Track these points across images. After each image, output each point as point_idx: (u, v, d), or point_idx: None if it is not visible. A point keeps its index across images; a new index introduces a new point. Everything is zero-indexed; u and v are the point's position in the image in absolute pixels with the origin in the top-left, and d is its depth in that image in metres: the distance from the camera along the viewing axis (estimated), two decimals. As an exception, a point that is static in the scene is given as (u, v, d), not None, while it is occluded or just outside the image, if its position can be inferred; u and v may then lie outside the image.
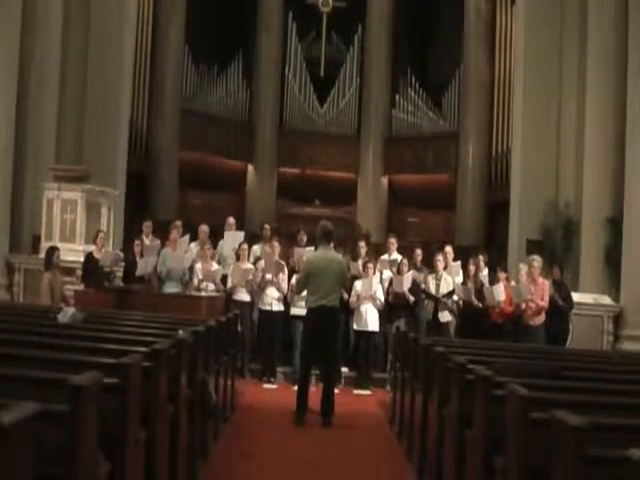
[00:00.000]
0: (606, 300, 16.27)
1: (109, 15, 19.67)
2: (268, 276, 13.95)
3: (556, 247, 18.19)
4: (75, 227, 15.93)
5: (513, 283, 14.06)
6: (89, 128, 19.36)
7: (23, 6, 16.68)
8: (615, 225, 16.52)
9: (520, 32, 20.97)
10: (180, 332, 7.43)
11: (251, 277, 14.01)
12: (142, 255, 14.02)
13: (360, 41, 28.84)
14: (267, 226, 16.22)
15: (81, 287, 13.83)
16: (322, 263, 10.82)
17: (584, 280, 17.01)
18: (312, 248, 13.33)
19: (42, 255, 14.71)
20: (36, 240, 16.58)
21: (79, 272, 14.48)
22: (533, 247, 17.74)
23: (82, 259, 14.46)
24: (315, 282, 10.75)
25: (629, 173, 16.13)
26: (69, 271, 14.58)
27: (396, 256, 14.97)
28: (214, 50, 27.59)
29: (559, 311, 13.70)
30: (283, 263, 14.21)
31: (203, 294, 13.39)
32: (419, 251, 15.11)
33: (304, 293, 11.63)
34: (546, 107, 19.37)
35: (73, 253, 15.30)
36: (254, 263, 14.33)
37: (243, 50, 28.09)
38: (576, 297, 14.81)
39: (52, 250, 13.36)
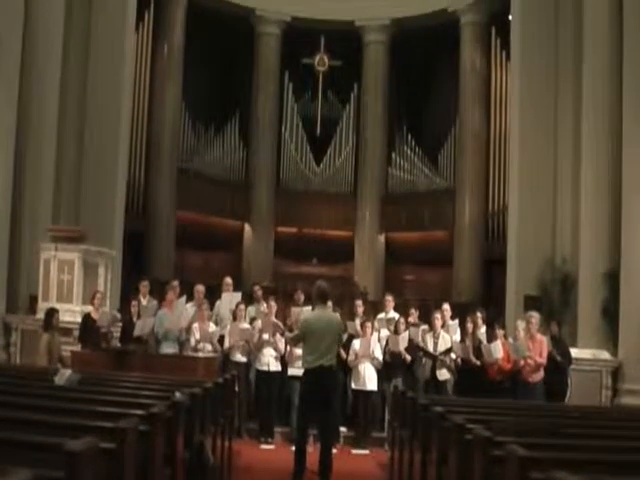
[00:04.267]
0: (604, 355, 16.24)
1: (106, 76, 19.84)
2: (265, 336, 13.93)
3: (554, 302, 18.20)
4: (72, 287, 15.91)
5: (511, 340, 14.04)
6: (86, 189, 19.45)
7: (21, 69, 16.81)
8: (612, 280, 16.52)
9: (515, 88, 21.10)
10: (177, 394, 7.40)
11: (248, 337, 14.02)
12: (139, 316, 14.04)
13: (356, 99, 29.04)
14: (257, 287, 16.31)
15: (78, 348, 13.80)
16: (319, 323, 10.77)
17: (582, 335, 16.98)
18: (309, 307, 13.31)
19: (39, 315, 14.74)
20: (33, 300, 16.56)
21: (76, 332, 14.45)
22: (531, 303, 17.74)
23: (79, 319, 14.46)
24: (312, 342, 10.70)
25: (625, 228, 16.17)
26: (66, 331, 14.51)
27: (393, 314, 14.99)
28: (211, 110, 27.83)
29: (558, 367, 13.69)
30: (280, 324, 14.20)
31: (200, 355, 13.40)
32: (413, 310, 15.10)
33: (299, 350, 11.63)
34: (542, 163, 19.47)
35: (70, 313, 15.26)
36: (250, 324, 14.35)
37: (239, 110, 28.29)
38: (574, 352, 14.81)
39: (52, 312, 13.38)
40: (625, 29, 16.62)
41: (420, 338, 14.08)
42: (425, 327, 14.39)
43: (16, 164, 16.79)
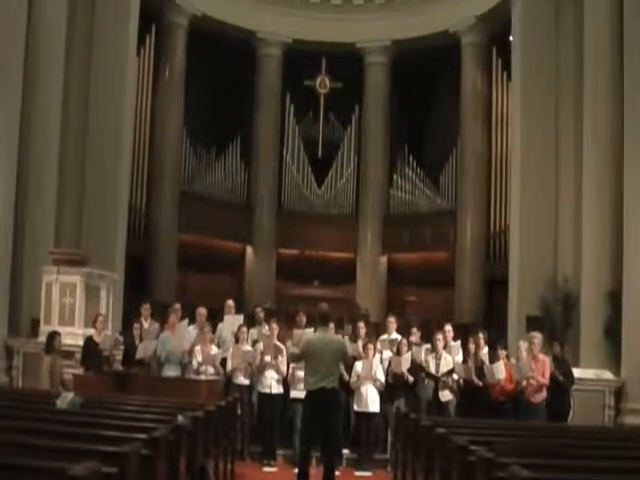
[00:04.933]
0: (607, 374, 16.22)
1: (108, 98, 19.91)
2: (267, 358, 13.92)
3: (556, 322, 18.18)
4: (74, 310, 15.88)
5: (513, 360, 14.02)
6: (88, 212, 19.50)
7: (23, 91, 16.87)
8: (614, 299, 16.51)
9: (516, 109, 21.17)
10: (179, 418, 7.40)
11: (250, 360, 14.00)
12: (141, 339, 14.02)
13: (357, 121, 29.04)
14: (259, 309, 16.26)
15: (80, 371, 13.78)
16: (320, 344, 10.78)
17: (584, 355, 16.96)
18: (312, 329, 13.30)
19: (41, 338, 14.75)
20: (35, 323, 16.54)
21: (78, 356, 14.41)
22: (533, 323, 17.73)
23: (81, 343, 14.42)
24: (313, 363, 10.71)
25: (627, 246, 16.18)
26: (68, 355, 14.49)
27: (396, 336, 14.95)
28: (212, 132, 27.87)
29: (560, 387, 13.66)
30: (282, 346, 14.17)
31: (202, 377, 13.38)
32: (414, 329, 15.07)
33: (301, 373, 11.62)
34: (543, 183, 19.51)
35: (72, 336, 15.21)
36: (252, 346, 14.34)
37: (241, 132, 28.29)
38: (577, 372, 14.78)
39: (54, 335, 13.41)
40: (626, 49, 16.69)
41: (422, 359, 14.07)
42: (428, 347, 14.38)
43: (18, 187, 16.82)
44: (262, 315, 15.86)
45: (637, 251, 15.99)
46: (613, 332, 16.47)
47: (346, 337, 12.27)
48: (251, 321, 15.80)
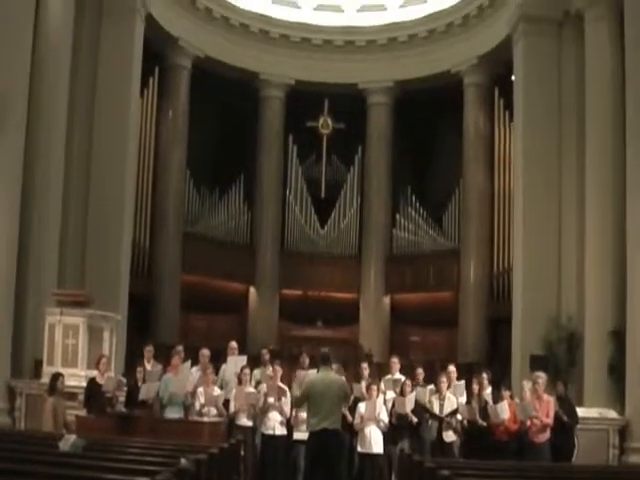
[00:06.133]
0: (611, 413, 16.18)
1: (111, 139, 20.03)
2: (270, 400, 13.87)
3: (560, 361, 18.15)
4: (77, 352, 15.86)
5: (517, 400, 13.98)
6: (91, 253, 19.56)
7: (26, 134, 16.92)
8: (618, 338, 16.52)
9: (519, 149, 21.25)
10: (182, 461, 7.37)
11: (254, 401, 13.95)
12: (144, 380, 13.99)
13: (360, 161, 29.02)
14: (264, 351, 16.24)
15: (83, 413, 13.75)
16: (322, 385, 10.77)
17: (588, 394, 16.96)
18: (315, 370, 13.28)
19: (44, 380, 14.73)
20: (38, 365, 16.54)
21: (81, 397, 14.38)
22: (537, 362, 17.71)
23: (84, 384, 14.41)
24: (315, 404, 10.69)
25: (631, 286, 16.18)
26: (71, 396, 14.47)
27: (399, 376, 14.93)
28: (215, 173, 27.92)
29: (564, 426, 13.61)
30: (285, 388, 14.13)
31: (205, 419, 13.33)
32: (420, 370, 15.02)
33: (305, 414, 11.58)
34: (546, 222, 19.58)
35: (75, 378, 15.22)
36: (255, 387, 14.31)
37: (244, 173, 28.27)
38: (581, 412, 14.72)
39: (57, 376, 13.41)
40: (628, 88, 16.78)
41: (426, 399, 14.02)
42: (432, 387, 14.34)
43: (21, 228, 16.84)
44: (267, 357, 15.83)
45: (640, 290, 16.01)
46: (617, 371, 16.46)
47: (343, 377, 12.18)
48: (255, 362, 15.77)
